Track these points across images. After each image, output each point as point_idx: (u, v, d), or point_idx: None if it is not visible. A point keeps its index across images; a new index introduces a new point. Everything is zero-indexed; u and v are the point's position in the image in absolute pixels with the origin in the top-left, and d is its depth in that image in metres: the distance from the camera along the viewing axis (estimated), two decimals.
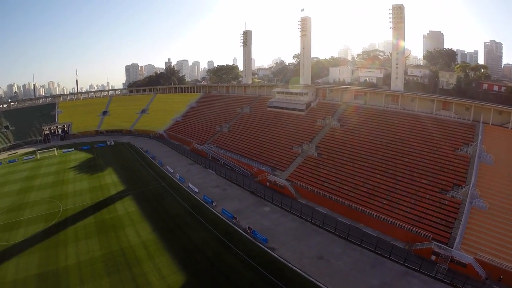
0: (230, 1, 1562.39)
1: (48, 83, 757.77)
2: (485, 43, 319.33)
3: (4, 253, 55.83)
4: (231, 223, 64.76)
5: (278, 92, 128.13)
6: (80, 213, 71.31)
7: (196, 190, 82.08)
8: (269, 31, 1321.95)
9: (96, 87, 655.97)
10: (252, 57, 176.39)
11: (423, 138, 76.94)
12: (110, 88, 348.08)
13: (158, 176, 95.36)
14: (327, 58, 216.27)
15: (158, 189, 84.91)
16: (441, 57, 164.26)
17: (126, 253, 54.61)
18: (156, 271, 49.01)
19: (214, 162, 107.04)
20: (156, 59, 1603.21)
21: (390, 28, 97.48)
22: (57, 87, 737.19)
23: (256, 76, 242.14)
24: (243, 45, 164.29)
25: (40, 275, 49.19)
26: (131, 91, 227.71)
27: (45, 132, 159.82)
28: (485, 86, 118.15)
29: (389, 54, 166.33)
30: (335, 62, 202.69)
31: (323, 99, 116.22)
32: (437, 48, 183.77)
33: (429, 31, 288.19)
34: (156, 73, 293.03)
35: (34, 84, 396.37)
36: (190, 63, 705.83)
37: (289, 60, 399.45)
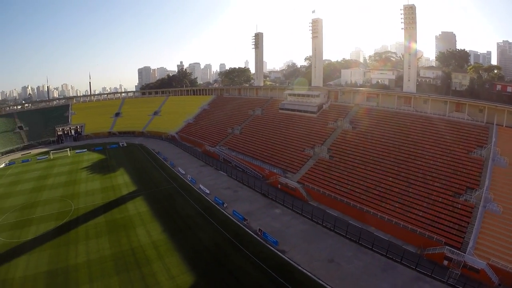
0: (242, 4, 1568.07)
1: (62, 86, 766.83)
2: (498, 43, 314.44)
3: (15, 250, 56.87)
4: (241, 225, 64.59)
5: (290, 94, 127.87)
6: (91, 212, 72.16)
7: (207, 191, 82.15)
8: (281, 33, 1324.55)
9: (109, 90, 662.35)
10: (264, 60, 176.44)
11: (436, 141, 75.94)
12: (123, 91, 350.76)
13: (169, 177, 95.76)
14: (339, 60, 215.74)
15: (170, 190, 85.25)
16: (453, 58, 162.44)
17: (136, 252, 54.94)
18: (166, 271, 49.11)
19: (226, 164, 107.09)
20: (168, 62, 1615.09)
21: (402, 29, 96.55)
22: (71, 90, 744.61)
23: (268, 78, 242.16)
24: (254, 48, 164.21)
25: (49, 272, 49.85)
26: (143, 93, 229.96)
27: (58, 133, 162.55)
28: (498, 87, 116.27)
29: (401, 56, 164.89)
30: (346, 64, 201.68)
31: (335, 101, 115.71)
32: (450, 49, 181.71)
33: (441, 32, 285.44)
34: (168, 75, 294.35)
35: (48, 86, 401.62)
36: (202, 66, 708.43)
37: (301, 62, 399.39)
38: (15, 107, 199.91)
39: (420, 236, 54.78)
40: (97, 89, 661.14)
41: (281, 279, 46.88)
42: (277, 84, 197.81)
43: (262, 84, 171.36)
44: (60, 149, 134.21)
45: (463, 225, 53.97)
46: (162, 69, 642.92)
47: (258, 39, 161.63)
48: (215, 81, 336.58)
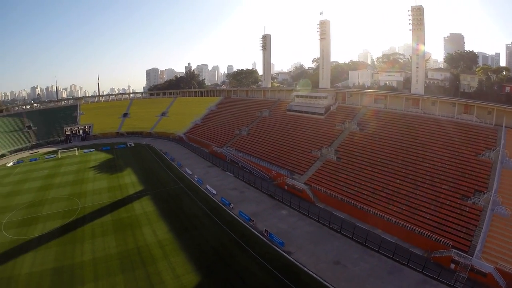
0: (250, 5, 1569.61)
1: (71, 86, 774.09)
2: (506, 45, 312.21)
3: (22, 247, 57.56)
4: (248, 226, 64.48)
5: (297, 96, 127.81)
6: (98, 211, 72.71)
7: (214, 192, 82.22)
8: (289, 35, 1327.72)
9: (117, 91, 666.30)
10: (271, 61, 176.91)
11: (444, 143, 75.31)
12: (131, 92, 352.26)
13: (176, 177, 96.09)
14: (347, 62, 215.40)
15: (176, 190, 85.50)
16: (462, 59, 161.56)
17: (141, 251, 55.18)
18: (171, 270, 49.21)
19: (233, 165, 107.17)
20: (176, 64, 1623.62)
21: (410, 30, 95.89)
22: (79, 90, 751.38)
23: (275, 80, 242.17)
24: (262, 49, 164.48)
25: (55, 269, 50.36)
26: (151, 94, 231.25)
27: (67, 133, 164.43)
28: (507, 89, 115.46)
29: (409, 57, 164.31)
30: (354, 65, 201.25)
31: (343, 103, 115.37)
32: (458, 50, 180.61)
33: (450, 33, 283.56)
34: (176, 77, 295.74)
35: (56, 87, 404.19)
36: (209, 68, 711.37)
37: (308, 64, 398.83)
38: (24, 107, 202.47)
39: (427, 239, 54.31)
40: (105, 90, 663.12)
41: (287, 280, 46.68)
42: (284, 86, 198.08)
43: (269, 86, 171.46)
44: (68, 148, 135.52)
45: (470, 228, 53.42)
46: (170, 70, 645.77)
47: (265, 41, 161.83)
48: (223, 82, 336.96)
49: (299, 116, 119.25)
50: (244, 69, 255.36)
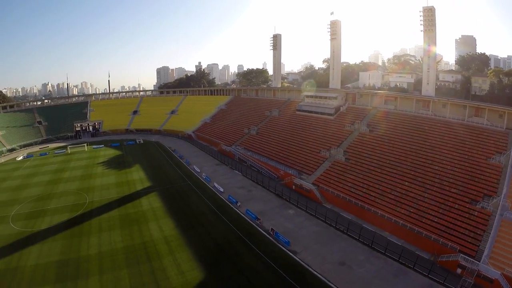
0: (260, 5, 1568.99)
1: (81, 83, 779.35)
2: None
3: (28, 239, 58.44)
4: (254, 224, 64.48)
5: (307, 96, 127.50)
6: (105, 206, 73.31)
7: (222, 190, 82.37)
8: (299, 35, 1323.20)
9: (127, 88, 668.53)
10: (281, 61, 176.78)
11: (454, 146, 74.62)
12: (141, 89, 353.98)
13: (184, 174, 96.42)
14: (357, 62, 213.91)
15: (184, 187, 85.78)
16: (473, 62, 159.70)
17: (147, 246, 55.55)
18: (176, 266, 49.41)
19: (241, 163, 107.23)
20: (186, 62, 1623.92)
21: (421, 31, 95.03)
22: (90, 87, 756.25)
23: (285, 80, 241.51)
24: (272, 49, 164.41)
25: (61, 261, 51.02)
26: (161, 92, 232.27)
27: (77, 129, 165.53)
28: None
29: (420, 59, 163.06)
30: (365, 66, 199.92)
31: (353, 104, 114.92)
32: (470, 52, 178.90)
33: (461, 35, 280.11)
34: (186, 75, 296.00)
35: (67, 84, 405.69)
36: (220, 67, 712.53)
37: (319, 64, 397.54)
38: (35, 102, 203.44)
39: (434, 242, 53.83)
40: (116, 87, 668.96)
41: (292, 280, 46.55)
42: (294, 86, 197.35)
43: (279, 86, 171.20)
44: (77, 144, 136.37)
45: (478, 233, 52.81)
46: (180, 69, 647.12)
47: (276, 41, 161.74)
48: (233, 82, 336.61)
49: (308, 116, 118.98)
50: (254, 68, 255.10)
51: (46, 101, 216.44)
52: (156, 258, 51.72)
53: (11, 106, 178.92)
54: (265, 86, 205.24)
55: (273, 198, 78.51)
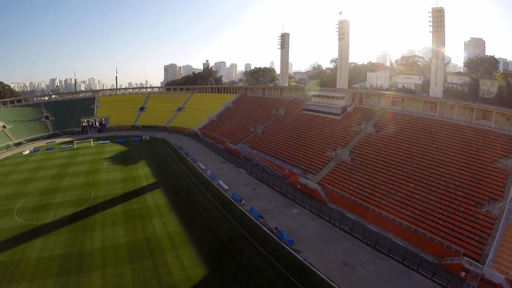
0: (268, 4, 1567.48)
1: (89, 79, 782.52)
2: None
3: (32, 232, 59.13)
4: (258, 222, 64.49)
5: (314, 95, 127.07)
6: (110, 201, 73.81)
7: (226, 187, 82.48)
8: (307, 35, 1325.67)
9: (134, 85, 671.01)
10: (289, 61, 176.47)
11: (461, 148, 74.13)
12: (148, 86, 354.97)
13: (189, 171, 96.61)
14: (365, 63, 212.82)
15: (189, 184, 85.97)
16: (482, 64, 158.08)
17: (150, 242, 55.83)
18: (178, 263, 49.60)
19: (246, 161, 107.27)
20: (194, 60, 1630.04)
21: (430, 32, 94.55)
22: (97, 83, 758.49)
23: (292, 79, 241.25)
24: (280, 48, 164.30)
25: (64, 255, 51.55)
26: (168, 89, 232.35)
27: (83, 124, 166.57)
28: None
29: (428, 61, 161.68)
30: (373, 67, 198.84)
31: (360, 104, 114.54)
32: (479, 55, 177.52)
33: (470, 38, 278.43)
34: (194, 73, 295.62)
35: (75, 79, 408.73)
36: (227, 65, 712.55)
37: (326, 64, 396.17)
38: (43, 97, 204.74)
39: (438, 245, 53.50)
40: (123, 84, 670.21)
41: (294, 279, 46.48)
42: (301, 85, 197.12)
43: (286, 85, 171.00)
44: (84, 139, 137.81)
45: (483, 236, 52.46)
46: (188, 67, 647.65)
47: (284, 40, 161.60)
48: (240, 80, 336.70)
49: (315, 115, 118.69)
50: (262, 67, 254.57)
51: (53, 96, 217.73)
52: (159, 254, 51.94)
53: (19, 101, 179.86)
54: (272, 85, 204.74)
55: (277, 197, 78.41)
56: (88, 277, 45.76)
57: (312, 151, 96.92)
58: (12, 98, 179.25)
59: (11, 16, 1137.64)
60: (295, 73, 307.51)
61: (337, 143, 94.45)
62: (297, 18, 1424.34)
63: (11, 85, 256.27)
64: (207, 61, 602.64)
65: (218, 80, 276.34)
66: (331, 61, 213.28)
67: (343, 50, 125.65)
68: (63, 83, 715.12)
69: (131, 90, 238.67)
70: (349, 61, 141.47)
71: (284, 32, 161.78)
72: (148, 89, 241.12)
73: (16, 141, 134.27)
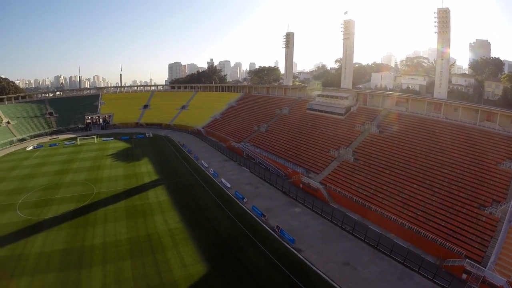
0: (273, 4, 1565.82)
1: (94, 77, 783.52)
2: None
3: (34, 227, 59.35)
4: (259, 221, 64.47)
5: (318, 95, 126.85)
6: (112, 197, 73.98)
7: (229, 185, 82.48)
8: (312, 36, 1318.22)
9: (139, 83, 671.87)
10: (294, 60, 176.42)
11: (465, 150, 73.75)
12: (153, 84, 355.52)
13: (192, 169, 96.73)
14: (370, 63, 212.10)
15: (191, 181, 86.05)
16: (487, 66, 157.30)
17: (152, 238, 55.93)
18: (179, 259, 49.65)
19: (249, 160, 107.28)
20: (198, 59, 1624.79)
21: (435, 33, 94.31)
22: (102, 81, 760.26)
23: (297, 79, 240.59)
24: (285, 47, 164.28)
25: (65, 250, 51.72)
26: (172, 87, 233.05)
27: (87, 121, 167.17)
28: None
29: (433, 62, 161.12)
30: (377, 67, 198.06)
31: (364, 104, 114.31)
32: (484, 56, 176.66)
33: (476, 39, 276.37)
34: (198, 71, 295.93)
35: (80, 76, 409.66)
36: (232, 64, 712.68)
37: (331, 64, 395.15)
38: (47, 94, 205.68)
39: (440, 246, 53.21)
40: (127, 81, 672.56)
41: (295, 278, 46.40)
42: (305, 85, 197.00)
43: (291, 84, 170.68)
44: (87, 136, 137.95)
45: (485, 238, 52.15)
46: (192, 65, 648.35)
47: (289, 39, 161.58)
48: (244, 79, 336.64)
49: (318, 115, 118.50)
50: (266, 66, 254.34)
51: (57, 93, 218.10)
52: (160, 251, 52.01)
53: (23, 97, 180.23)
54: (276, 84, 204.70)
55: (279, 196, 78.32)
56: (88, 272, 45.82)
57: (315, 150, 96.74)
58: (17, 95, 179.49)
59: (17, 13, 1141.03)
60: (300, 72, 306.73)
61: (341, 143, 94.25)
62: (302, 18, 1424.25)
63: (16, 82, 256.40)
64: (211, 59, 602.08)
65: (223, 79, 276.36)
66: (336, 61, 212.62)
67: (348, 50, 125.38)
68: (68, 80, 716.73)
69: (135, 87, 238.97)
70: (354, 61, 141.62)
71: (289, 31, 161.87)
72: (152, 87, 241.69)
73: (19, 137, 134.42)
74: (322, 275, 47.56)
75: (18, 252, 50.58)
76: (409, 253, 52.49)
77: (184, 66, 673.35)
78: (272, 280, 46.07)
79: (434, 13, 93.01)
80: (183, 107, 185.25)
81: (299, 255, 52.68)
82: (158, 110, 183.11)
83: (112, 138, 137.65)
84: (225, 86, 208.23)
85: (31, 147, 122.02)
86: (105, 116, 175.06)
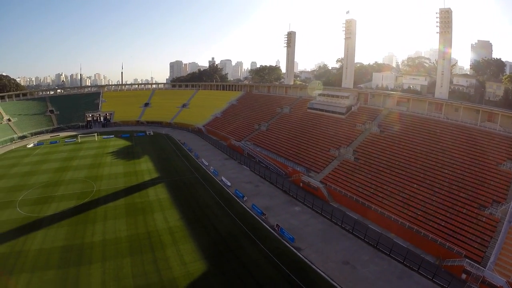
0: (275, 3, 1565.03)
1: (95, 75, 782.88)
2: None
3: (34, 224, 59.45)
4: (259, 219, 64.49)
5: (319, 94, 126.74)
6: (112, 195, 74.02)
7: (229, 184, 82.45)
8: (314, 35, 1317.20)
9: (140, 81, 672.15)
10: (295, 60, 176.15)
11: (465, 150, 73.66)
12: (154, 82, 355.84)
13: (192, 167, 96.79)
14: (371, 63, 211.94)
15: (191, 179, 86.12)
16: (489, 67, 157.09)
17: (151, 236, 55.99)
18: (179, 257, 49.66)
19: (250, 159, 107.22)
20: (200, 58, 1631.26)
21: (437, 33, 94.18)
22: (103, 79, 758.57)
23: (298, 78, 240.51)
24: (286, 46, 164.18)
25: (64, 247, 51.81)
26: (173, 86, 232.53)
27: (88, 119, 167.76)
28: None
29: (435, 62, 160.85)
30: (378, 67, 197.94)
31: (365, 104, 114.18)
32: (485, 57, 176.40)
33: (478, 40, 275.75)
34: (199, 70, 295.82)
35: (81, 74, 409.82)
36: (233, 63, 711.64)
37: (332, 64, 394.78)
38: (48, 92, 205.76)
39: (440, 246, 53.17)
40: (128, 80, 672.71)
41: (294, 277, 46.38)
42: (307, 84, 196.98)
43: (292, 83, 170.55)
44: (88, 133, 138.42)
45: (485, 239, 52.07)
46: (193, 64, 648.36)
47: (290, 38, 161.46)
48: (246, 78, 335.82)
49: (319, 114, 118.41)
50: (268, 65, 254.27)
51: (59, 90, 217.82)
52: (160, 248, 52.04)
53: (24, 94, 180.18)
54: (277, 83, 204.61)
55: (279, 194, 78.31)
56: (88, 270, 45.85)
57: (316, 149, 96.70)
58: (18, 92, 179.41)
59: (18, 10, 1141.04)
60: (301, 72, 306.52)
61: (341, 142, 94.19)
62: (304, 17, 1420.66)
63: (17, 79, 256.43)
64: (213, 58, 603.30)
65: (224, 78, 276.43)
66: (337, 61, 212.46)
67: (349, 49, 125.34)
68: (69, 78, 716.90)
69: (136, 86, 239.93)
70: (355, 61, 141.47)
71: (290, 30, 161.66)
72: (153, 85, 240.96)
73: (20, 134, 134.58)
74: (322, 274, 47.53)
75: (17, 249, 50.63)
76: (409, 253, 52.50)
77: (185, 64, 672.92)
78: (271, 278, 46.05)
79: (436, 13, 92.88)
80: (184, 106, 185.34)
81: (298, 253, 52.66)
82: (159, 108, 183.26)
83: (113, 136, 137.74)
84: (226, 85, 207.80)
85: (31, 145, 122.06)
86: (106, 114, 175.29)
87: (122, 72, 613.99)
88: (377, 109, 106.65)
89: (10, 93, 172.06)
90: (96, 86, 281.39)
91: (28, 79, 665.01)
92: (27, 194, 72.76)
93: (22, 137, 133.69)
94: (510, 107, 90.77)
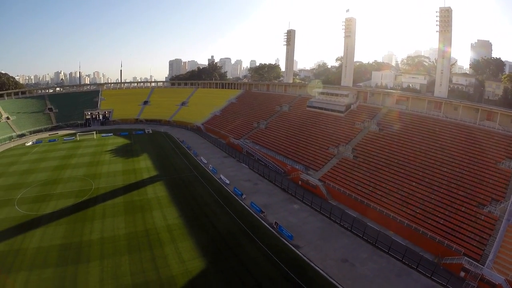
0: (275, 1, 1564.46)
1: (94, 73, 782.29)
2: None
3: (32, 222, 59.26)
4: (258, 217, 64.45)
5: (318, 93, 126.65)
6: (110, 193, 73.94)
7: (227, 182, 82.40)
8: (313, 34, 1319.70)
9: (139, 79, 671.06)
10: (294, 59, 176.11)
11: (464, 148, 73.67)
12: (153, 80, 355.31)
13: (191, 165, 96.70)
14: (370, 62, 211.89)
15: (190, 177, 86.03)
16: (488, 66, 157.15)
17: (150, 234, 55.94)
18: (177, 255, 49.59)
19: (249, 157, 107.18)
20: (199, 56, 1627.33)
21: (437, 31, 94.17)
22: (102, 77, 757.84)
23: (297, 77, 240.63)
24: (286, 44, 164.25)
25: (63, 245, 51.71)
26: (173, 84, 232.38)
27: (87, 117, 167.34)
28: None
29: (434, 61, 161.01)
30: (378, 66, 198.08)
31: (364, 102, 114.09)
32: (485, 57, 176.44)
33: (477, 40, 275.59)
34: (198, 68, 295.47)
35: (80, 72, 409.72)
36: (232, 61, 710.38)
37: (331, 63, 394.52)
38: (47, 90, 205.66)
39: (439, 244, 53.21)
40: (127, 78, 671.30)
41: (293, 274, 46.35)
42: (306, 83, 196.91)
43: (291, 81, 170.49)
44: (87, 132, 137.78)
45: (484, 237, 52.12)
46: (193, 62, 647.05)
47: (290, 36, 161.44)
48: (245, 76, 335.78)
49: (318, 112, 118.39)
50: (267, 64, 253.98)
51: (57, 88, 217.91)
52: (158, 246, 51.99)
53: (23, 92, 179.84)
54: (276, 81, 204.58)
55: (278, 192, 78.30)
56: (86, 267, 45.78)
57: (315, 147, 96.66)
58: (16, 90, 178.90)
59: (17, 8, 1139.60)
60: (300, 70, 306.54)
61: (340, 140, 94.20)
62: (303, 15, 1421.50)
63: (16, 77, 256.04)
64: (212, 56, 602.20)
65: (223, 76, 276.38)
66: (337, 59, 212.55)
67: (349, 48, 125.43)
68: (68, 76, 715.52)
69: (136, 84, 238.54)
70: (355, 59, 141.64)
71: (290, 28, 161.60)
72: (153, 83, 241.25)
73: (19, 133, 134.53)
74: (320, 271, 47.50)
75: (16, 247, 50.53)
76: (408, 251, 52.47)
77: (185, 63, 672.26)
78: (270, 276, 46.00)
79: (436, 12, 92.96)
80: (183, 104, 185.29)
81: (297, 251, 52.65)
82: (158, 106, 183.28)
83: (112, 134, 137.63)
84: (225, 83, 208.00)
85: (30, 143, 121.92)
86: (105, 112, 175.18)
87: (121, 70, 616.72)
88: (376, 108, 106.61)
89: (9, 91, 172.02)
90: (95, 84, 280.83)
91: (27, 77, 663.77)
92: (25, 192, 72.63)
93: (21, 135, 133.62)
94: (509, 106, 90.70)
